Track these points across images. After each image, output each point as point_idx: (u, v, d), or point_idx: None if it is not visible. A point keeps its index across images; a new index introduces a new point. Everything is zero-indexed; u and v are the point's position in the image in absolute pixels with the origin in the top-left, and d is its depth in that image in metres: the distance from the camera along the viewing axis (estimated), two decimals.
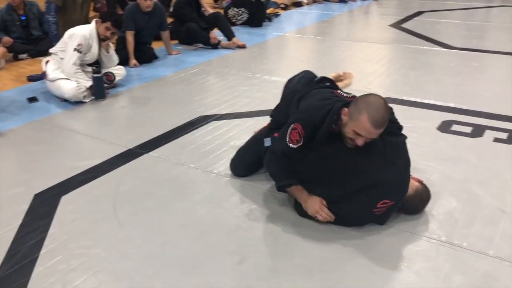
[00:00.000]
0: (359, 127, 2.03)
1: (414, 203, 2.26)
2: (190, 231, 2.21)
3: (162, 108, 3.78)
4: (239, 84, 4.33)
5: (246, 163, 2.66)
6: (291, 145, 2.16)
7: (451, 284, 1.86)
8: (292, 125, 2.17)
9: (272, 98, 3.76)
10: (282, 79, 4.39)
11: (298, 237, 2.16)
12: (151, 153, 2.99)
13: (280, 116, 2.56)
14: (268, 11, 7.66)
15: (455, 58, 5.09)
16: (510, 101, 3.77)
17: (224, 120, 3.49)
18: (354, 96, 2.35)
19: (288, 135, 2.17)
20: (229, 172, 2.70)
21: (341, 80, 2.99)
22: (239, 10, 6.98)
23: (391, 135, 2.19)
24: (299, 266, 1.98)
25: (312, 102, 2.28)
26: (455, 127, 3.28)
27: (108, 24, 3.96)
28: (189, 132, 3.29)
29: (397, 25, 6.90)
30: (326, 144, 2.17)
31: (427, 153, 2.87)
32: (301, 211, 2.26)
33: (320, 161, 2.19)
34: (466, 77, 4.42)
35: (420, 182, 2.32)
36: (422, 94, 3.96)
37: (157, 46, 5.47)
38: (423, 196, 2.28)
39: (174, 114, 3.60)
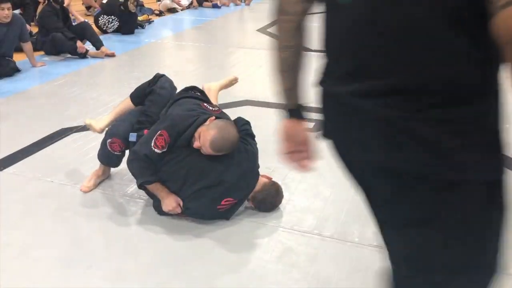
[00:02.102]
0: (203, 135, 2.31)
1: (262, 198, 2.48)
2: (39, 242, 2.28)
3: (20, 123, 3.72)
4: (104, 94, 4.38)
5: (126, 121, 2.65)
6: (155, 150, 2.33)
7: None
8: (159, 131, 2.35)
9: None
10: None
11: (150, 238, 2.33)
12: (5, 170, 2.97)
13: (153, 111, 2.63)
14: (141, 18, 7.71)
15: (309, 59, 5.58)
16: None
17: (85, 132, 3.54)
18: (219, 109, 2.60)
19: (153, 140, 2.34)
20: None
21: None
22: (109, 18, 6.95)
23: (248, 143, 2.47)
24: (147, 265, 2.15)
25: (178, 111, 2.48)
26: None
27: None
28: (47, 146, 3.30)
29: (264, 29, 7.34)
30: (184, 148, 2.39)
31: (273, 149, 3.19)
32: (160, 210, 2.44)
33: (176, 162, 2.39)
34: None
35: (269, 178, 2.56)
36: (263, 94, 4.33)
37: (21, 59, 5.30)
38: (271, 191, 2.49)
39: (33, 129, 3.56)
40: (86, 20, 6.49)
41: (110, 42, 6.28)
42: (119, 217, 2.49)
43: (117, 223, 2.44)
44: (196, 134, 2.36)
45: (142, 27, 7.38)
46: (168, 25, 8.04)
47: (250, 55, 5.80)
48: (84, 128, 3.59)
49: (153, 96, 2.65)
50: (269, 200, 2.52)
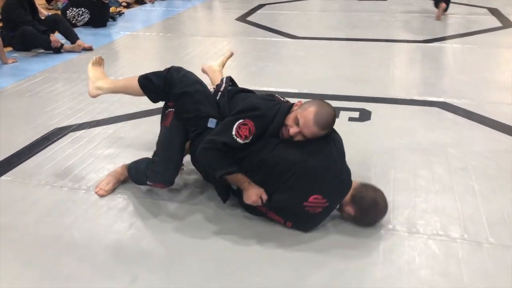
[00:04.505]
0: (303, 115, 2.07)
1: (367, 206, 2.12)
2: (67, 259, 1.99)
3: (6, 126, 3.34)
4: None
5: (174, 161, 2.32)
6: (238, 139, 2.07)
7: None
8: (242, 120, 2.09)
9: (130, 101, 3.57)
10: None
11: (188, 246, 2.09)
12: (3, 177, 2.63)
13: (207, 110, 2.29)
14: (111, 10, 7.28)
15: (302, 47, 5.41)
16: (354, 82, 4.14)
17: (84, 130, 3.23)
18: (288, 101, 2.34)
19: (235, 128, 2.08)
20: None
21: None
22: (79, 10, 6.50)
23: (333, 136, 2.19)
24: (196, 275, 1.92)
25: (257, 101, 2.21)
26: None
27: None
28: (45, 148, 2.97)
29: (243, 18, 7.10)
30: (272, 138, 2.15)
31: None
32: (245, 206, 2.20)
33: (258, 153, 2.12)
34: (314, 64, 4.72)
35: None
36: (277, 84, 4.14)
37: None
38: (378, 204, 2.14)
39: (23, 131, 3.21)
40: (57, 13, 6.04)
41: (82, 36, 5.84)
42: (152, 223, 2.23)
43: (153, 231, 2.18)
44: (289, 121, 2.10)
45: (114, 19, 6.96)
46: (140, 16, 7.63)
47: (237, 44, 5.55)
48: (81, 126, 3.28)
49: (192, 99, 2.29)
50: (373, 219, 2.16)
